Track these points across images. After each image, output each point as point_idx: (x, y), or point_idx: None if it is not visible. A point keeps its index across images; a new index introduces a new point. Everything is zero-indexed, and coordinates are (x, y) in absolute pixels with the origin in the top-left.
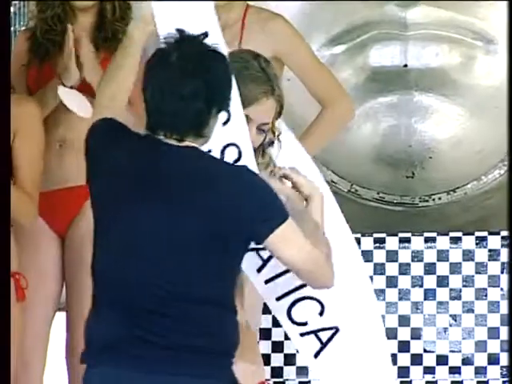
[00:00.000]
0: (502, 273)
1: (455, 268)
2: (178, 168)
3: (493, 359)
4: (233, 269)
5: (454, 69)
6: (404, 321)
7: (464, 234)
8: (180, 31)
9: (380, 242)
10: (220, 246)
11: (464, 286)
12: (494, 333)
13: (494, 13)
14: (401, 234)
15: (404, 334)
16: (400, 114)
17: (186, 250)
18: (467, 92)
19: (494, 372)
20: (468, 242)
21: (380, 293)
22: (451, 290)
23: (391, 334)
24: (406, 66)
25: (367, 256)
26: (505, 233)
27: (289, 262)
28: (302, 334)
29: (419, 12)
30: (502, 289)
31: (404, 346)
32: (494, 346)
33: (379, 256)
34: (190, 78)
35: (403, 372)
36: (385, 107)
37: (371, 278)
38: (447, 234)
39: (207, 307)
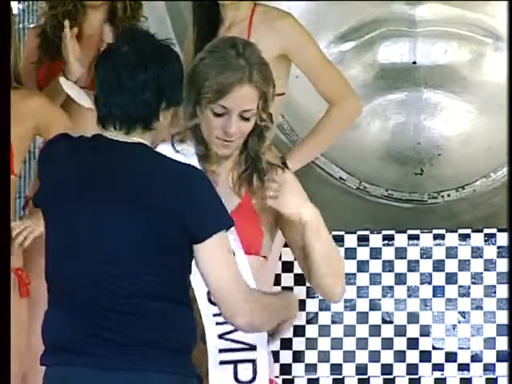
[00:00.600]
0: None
1: (464, 265)
2: (122, 166)
3: (501, 356)
4: (182, 266)
5: (462, 66)
6: (413, 318)
7: (473, 231)
8: (134, 29)
9: (389, 238)
10: (164, 243)
11: (473, 282)
12: (502, 330)
13: (504, 10)
14: (409, 231)
15: (413, 331)
16: (409, 111)
17: (132, 247)
18: (476, 89)
19: (502, 369)
20: (477, 238)
21: (389, 290)
22: (460, 286)
23: (400, 331)
24: (414, 63)
25: (376, 253)
26: None
27: (208, 275)
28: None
29: (428, 9)
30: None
31: (413, 343)
32: (502, 343)
33: (388, 253)
34: (139, 70)
35: (412, 369)
36: (393, 104)
37: (380, 275)
38: (456, 231)
39: (159, 303)
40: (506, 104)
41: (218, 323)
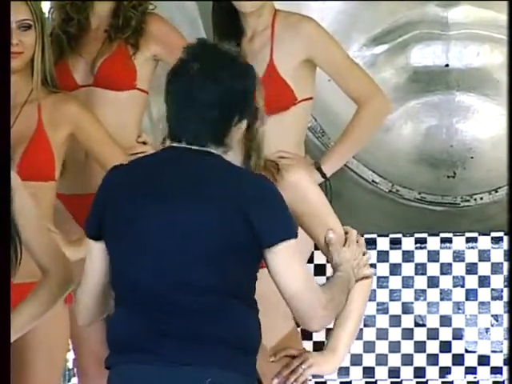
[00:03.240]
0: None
1: (497, 268)
2: (195, 170)
3: None
4: (249, 268)
5: (495, 68)
6: (445, 321)
7: (505, 234)
8: (202, 40)
9: (421, 242)
10: (232, 243)
11: (505, 286)
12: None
13: None
14: (442, 234)
15: (446, 334)
16: (441, 114)
17: (199, 245)
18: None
19: None
20: (509, 241)
21: (421, 293)
22: (492, 290)
23: (433, 334)
24: (447, 65)
25: (408, 256)
26: None
27: (279, 281)
28: None
29: (461, 12)
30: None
31: (445, 347)
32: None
33: (420, 256)
34: (210, 85)
35: (445, 372)
36: (426, 107)
37: (412, 278)
38: (489, 234)
39: (225, 301)
40: None
41: None
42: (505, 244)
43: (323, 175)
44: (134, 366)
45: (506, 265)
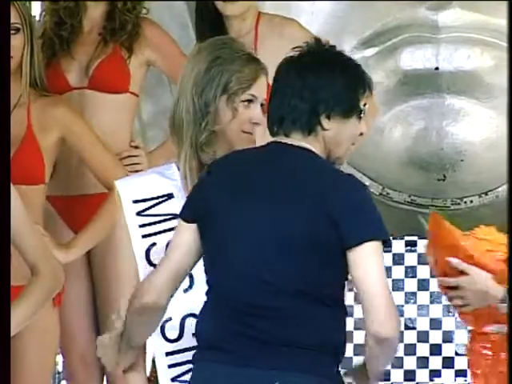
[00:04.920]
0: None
1: None
2: (288, 167)
3: None
4: (332, 269)
5: (485, 72)
6: (436, 324)
7: None
8: (317, 40)
9: (411, 244)
10: (317, 244)
11: None
12: None
13: None
14: None
15: (436, 337)
16: (431, 117)
17: (289, 247)
18: (499, 95)
19: None
20: None
21: (412, 296)
22: None
23: (423, 337)
24: (437, 68)
25: (398, 259)
26: None
27: (362, 280)
28: None
29: (451, 15)
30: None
31: (436, 349)
32: None
33: (411, 259)
34: (296, 78)
35: (435, 374)
36: (416, 110)
37: (403, 281)
38: None
39: (306, 302)
40: None
41: (170, 366)
42: None
43: None
44: (215, 364)
45: None
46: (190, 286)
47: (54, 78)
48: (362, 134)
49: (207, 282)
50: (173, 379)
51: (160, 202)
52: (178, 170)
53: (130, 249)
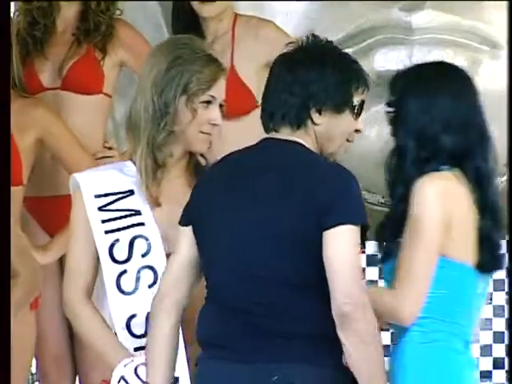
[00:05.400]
0: (508, 278)
1: None
2: (278, 163)
3: (498, 364)
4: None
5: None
6: None
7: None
8: (313, 35)
9: None
10: (305, 235)
11: None
12: (499, 337)
13: (500, 17)
14: None
15: None
16: None
17: (279, 243)
18: None
19: (500, 376)
20: None
21: None
22: None
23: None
24: None
25: (372, 260)
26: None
27: (330, 258)
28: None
29: (424, 16)
30: (507, 293)
31: None
32: (499, 351)
33: None
34: (286, 72)
35: None
36: None
37: (376, 282)
38: None
39: (300, 293)
40: (503, 111)
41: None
42: None
43: None
44: (216, 361)
45: None
46: (155, 282)
47: (27, 78)
48: (358, 130)
49: (206, 284)
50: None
51: (121, 198)
52: (135, 165)
53: (81, 243)
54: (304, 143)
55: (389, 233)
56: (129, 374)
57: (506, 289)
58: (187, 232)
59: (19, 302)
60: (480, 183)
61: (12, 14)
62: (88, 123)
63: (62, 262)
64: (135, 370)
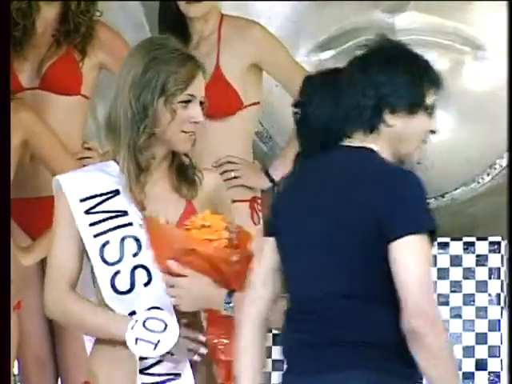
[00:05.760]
0: (490, 278)
1: (443, 273)
2: (345, 173)
3: (480, 365)
4: (378, 266)
5: (442, 74)
6: None
7: (452, 240)
8: (384, 37)
9: None
10: (361, 242)
11: (452, 291)
12: (481, 338)
13: (483, 18)
14: None
15: None
16: None
17: (341, 255)
18: (456, 98)
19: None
20: (456, 247)
21: None
22: (439, 295)
23: None
24: None
25: None
26: (492, 238)
27: (397, 272)
28: None
29: (407, 18)
30: (489, 294)
31: None
32: (482, 351)
33: None
34: (359, 73)
35: None
36: None
37: None
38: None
39: (354, 302)
40: (485, 112)
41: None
42: (451, 249)
43: (271, 180)
44: (288, 375)
45: (452, 270)
46: (149, 281)
47: None
48: (433, 131)
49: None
50: (140, 371)
51: (107, 199)
52: (118, 165)
53: (64, 243)
54: (376, 148)
55: None
56: (141, 333)
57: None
58: (270, 240)
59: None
60: None
61: None
62: (66, 123)
63: (43, 263)
64: (144, 325)
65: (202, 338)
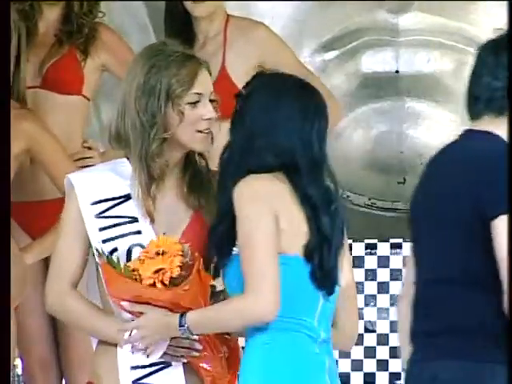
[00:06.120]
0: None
1: None
2: (463, 156)
3: None
4: (484, 251)
5: (445, 75)
6: (396, 327)
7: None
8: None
9: (371, 247)
10: (480, 240)
11: None
12: None
13: (486, 19)
14: (392, 240)
15: (396, 339)
16: (392, 120)
17: (452, 244)
18: (459, 98)
19: None
20: None
21: (371, 298)
22: None
23: (383, 339)
24: (397, 72)
25: (359, 262)
26: None
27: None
28: None
29: (411, 18)
30: None
31: (395, 352)
32: None
33: (371, 262)
34: (498, 56)
35: (394, 378)
36: (376, 113)
37: (362, 283)
38: None
39: (464, 288)
40: None
41: (132, 367)
42: None
43: None
44: (410, 362)
45: None
46: None
47: None
48: None
49: None
50: (134, 381)
51: (119, 203)
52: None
53: (69, 240)
54: (500, 134)
55: (221, 241)
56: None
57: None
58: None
59: None
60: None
61: None
62: (66, 123)
63: (46, 263)
64: None
65: (195, 337)
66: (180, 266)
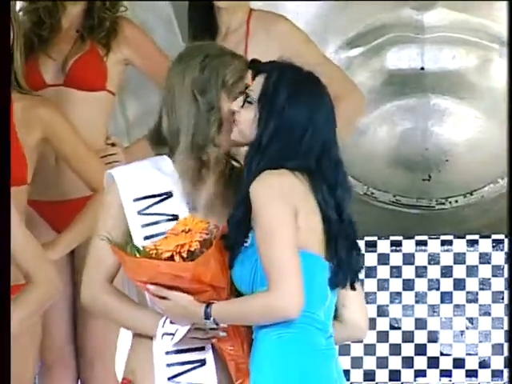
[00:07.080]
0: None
1: (472, 271)
2: None
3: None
4: None
5: (470, 71)
6: (421, 324)
7: (481, 237)
8: None
9: (396, 244)
10: None
11: (481, 288)
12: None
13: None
14: (417, 237)
15: (421, 337)
16: (416, 117)
17: None
18: (484, 95)
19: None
20: (485, 244)
21: (396, 296)
22: (468, 292)
23: (408, 337)
24: (422, 68)
25: (384, 259)
26: None
27: None
28: None
29: (436, 15)
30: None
31: (421, 349)
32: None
33: (396, 259)
34: None
35: (420, 375)
36: (401, 110)
37: (388, 281)
38: (464, 237)
39: None
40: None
41: (168, 365)
42: (480, 247)
43: None
44: None
45: (481, 268)
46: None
47: (30, 75)
48: None
49: None
50: (169, 378)
51: (161, 201)
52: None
53: (103, 241)
54: None
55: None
56: (167, 328)
57: (506, 300)
58: None
59: (33, 310)
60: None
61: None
62: (90, 120)
63: (70, 257)
64: (170, 321)
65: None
66: (200, 242)
